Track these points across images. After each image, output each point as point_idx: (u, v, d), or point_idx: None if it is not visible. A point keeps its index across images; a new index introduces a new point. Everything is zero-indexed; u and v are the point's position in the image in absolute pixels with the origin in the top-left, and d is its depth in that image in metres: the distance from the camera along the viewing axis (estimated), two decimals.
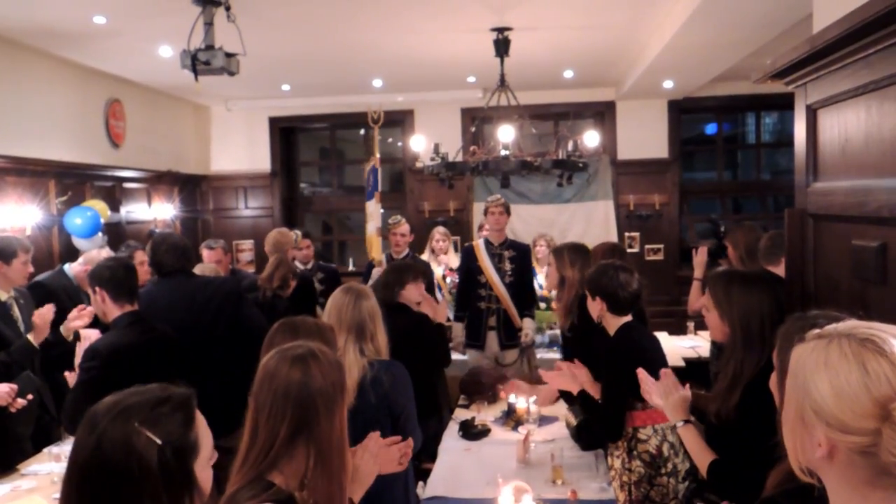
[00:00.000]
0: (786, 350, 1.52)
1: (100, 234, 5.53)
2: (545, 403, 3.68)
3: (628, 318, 3.04)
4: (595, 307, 3.07)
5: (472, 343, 5.28)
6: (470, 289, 5.29)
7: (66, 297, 4.09)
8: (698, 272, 4.48)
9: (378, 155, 5.80)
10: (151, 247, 3.87)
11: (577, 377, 3.16)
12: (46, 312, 3.61)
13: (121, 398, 1.31)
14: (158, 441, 1.25)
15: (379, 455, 2.10)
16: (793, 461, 1.11)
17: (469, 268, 5.30)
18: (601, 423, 3.07)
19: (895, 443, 0.97)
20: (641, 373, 2.55)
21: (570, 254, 3.85)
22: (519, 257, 5.26)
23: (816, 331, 1.09)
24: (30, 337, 3.59)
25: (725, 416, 2.23)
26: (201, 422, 1.36)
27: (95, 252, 4.50)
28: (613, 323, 3.04)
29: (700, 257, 4.53)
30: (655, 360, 2.95)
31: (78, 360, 3.09)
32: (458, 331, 5.31)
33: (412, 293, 3.84)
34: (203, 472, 1.33)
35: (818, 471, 1.08)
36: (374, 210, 6.23)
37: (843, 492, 1.06)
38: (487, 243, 5.29)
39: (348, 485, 1.74)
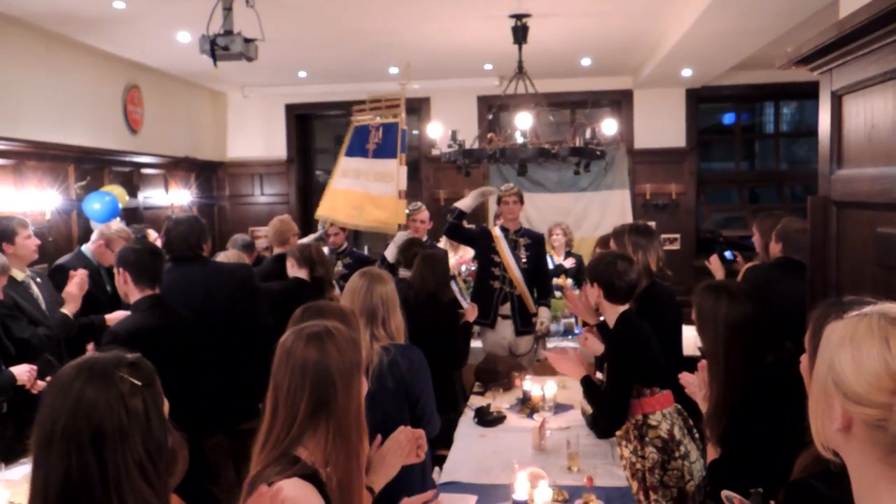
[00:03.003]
0: (818, 333, 1.51)
1: (118, 218, 5.58)
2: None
3: (626, 306, 3.07)
4: (592, 294, 3.11)
5: (482, 321, 5.09)
6: (484, 266, 5.21)
7: (88, 277, 4.13)
8: (719, 275, 4.49)
9: (405, 115, 5.63)
10: (164, 231, 3.91)
11: (581, 361, 3.16)
12: (81, 280, 3.77)
13: (82, 363, 1.34)
14: (139, 383, 1.31)
15: (407, 447, 2.11)
16: (815, 436, 1.13)
17: (485, 246, 5.21)
18: (605, 411, 3.07)
19: None
20: (685, 377, 2.55)
21: (632, 237, 3.51)
22: (534, 245, 5.24)
23: (855, 312, 1.10)
24: (64, 310, 3.72)
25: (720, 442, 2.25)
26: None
27: (105, 226, 4.53)
28: (612, 312, 3.07)
29: (715, 264, 4.55)
30: (655, 349, 3.01)
31: None
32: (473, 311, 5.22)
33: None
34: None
35: (837, 448, 1.09)
36: (396, 171, 5.96)
37: (860, 468, 1.07)
38: (503, 230, 5.26)
39: (364, 460, 1.76)
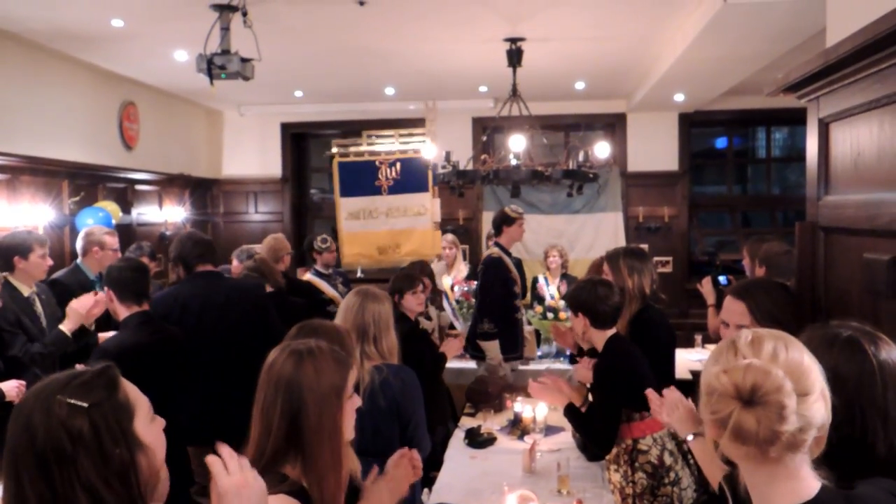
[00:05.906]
0: None
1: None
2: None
3: (613, 330, 3.07)
4: (578, 323, 3.10)
5: (513, 356, 5.00)
6: (506, 301, 4.99)
7: (82, 292, 4.11)
8: (710, 300, 4.50)
9: (430, 148, 5.85)
10: (177, 244, 3.89)
11: (562, 390, 3.14)
12: (97, 304, 3.66)
13: (43, 382, 1.28)
14: (84, 405, 1.21)
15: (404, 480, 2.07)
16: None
17: (505, 279, 4.99)
18: (592, 437, 3.06)
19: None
20: (651, 393, 2.53)
21: (626, 261, 3.48)
22: (519, 265, 5.28)
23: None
24: (62, 327, 3.64)
25: None
26: (128, 385, 1.31)
27: (87, 234, 4.44)
28: (599, 337, 3.06)
29: (706, 287, 4.55)
30: (645, 371, 2.99)
31: None
32: (496, 349, 4.87)
33: (410, 303, 3.89)
34: (148, 431, 1.28)
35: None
36: (430, 204, 6.19)
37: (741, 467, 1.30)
38: (506, 252, 5.17)
39: (344, 485, 1.72)
